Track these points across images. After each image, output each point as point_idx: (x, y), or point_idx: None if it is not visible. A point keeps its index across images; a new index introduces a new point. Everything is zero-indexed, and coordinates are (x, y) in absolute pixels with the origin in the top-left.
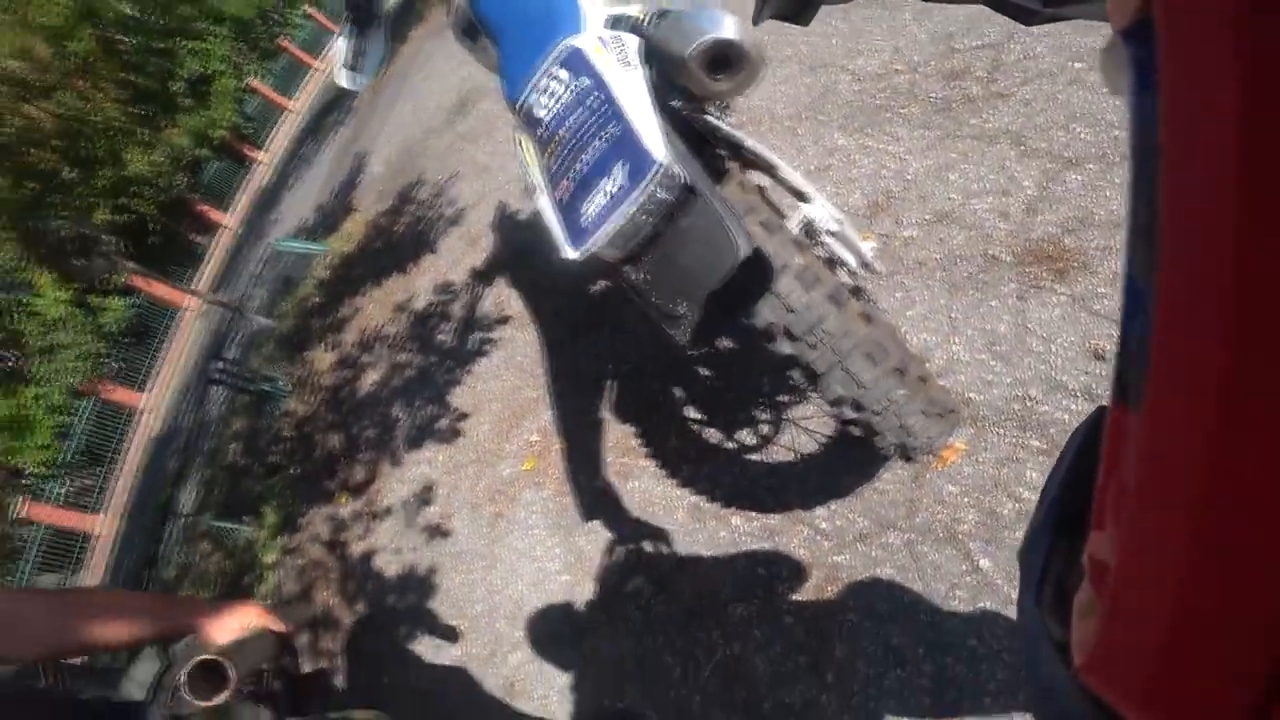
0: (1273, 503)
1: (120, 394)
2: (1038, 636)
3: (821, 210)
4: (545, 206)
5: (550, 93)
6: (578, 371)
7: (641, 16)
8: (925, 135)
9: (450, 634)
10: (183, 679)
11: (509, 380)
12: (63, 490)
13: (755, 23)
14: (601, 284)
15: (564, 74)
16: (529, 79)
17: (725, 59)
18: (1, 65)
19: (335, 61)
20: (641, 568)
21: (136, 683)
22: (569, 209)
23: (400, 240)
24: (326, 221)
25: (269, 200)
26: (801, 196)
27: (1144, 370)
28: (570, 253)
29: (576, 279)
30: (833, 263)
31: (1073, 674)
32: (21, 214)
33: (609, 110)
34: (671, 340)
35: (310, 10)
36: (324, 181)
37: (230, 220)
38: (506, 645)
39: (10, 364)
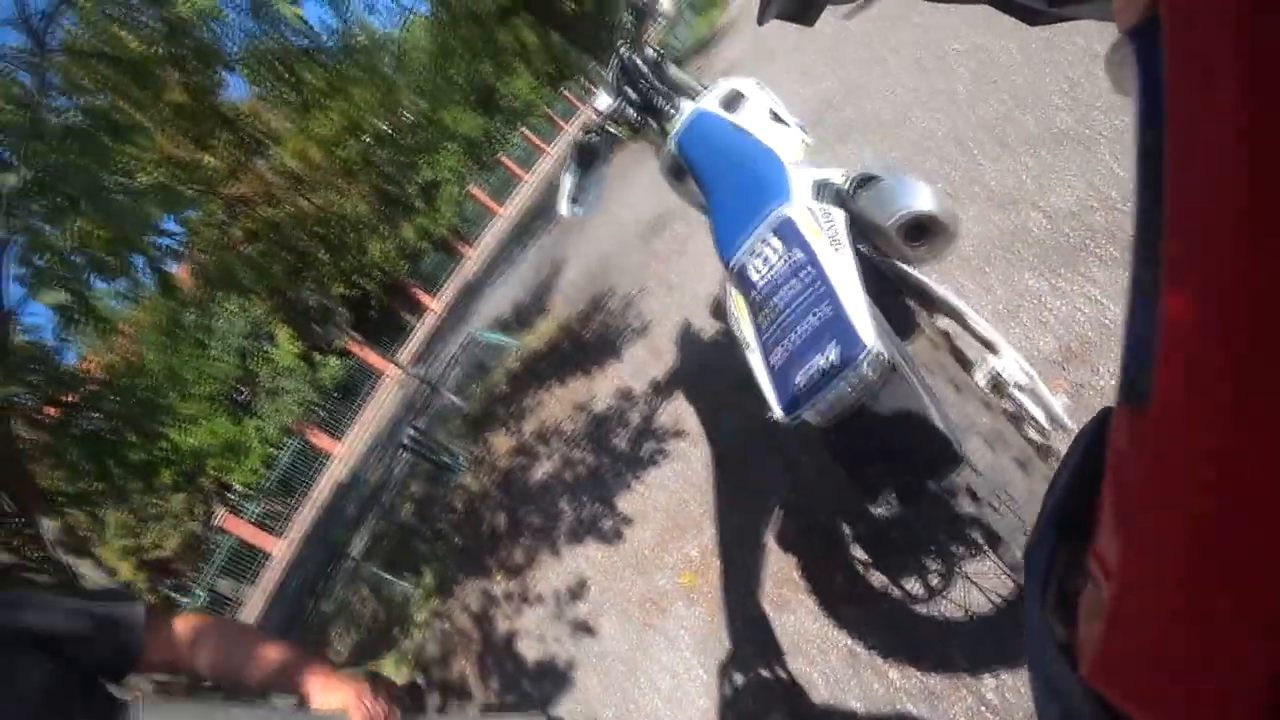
0: (1278, 502)
1: (321, 439)
2: (1043, 638)
3: (1010, 363)
4: (756, 365)
5: (764, 259)
6: (747, 494)
7: (844, 182)
8: (1124, 277)
9: None
10: None
11: (677, 493)
12: (257, 510)
13: (760, 23)
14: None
15: (777, 243)
16: (742, 241)
17: (924, 228)
18: (284, 164)
19: (561, 194)
20: (784, 709)
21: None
22: (781, 375)
23: (587, 344)
24: (521, 318)
25: (472, 291)
26: (990, 347)
27: (1150, 372)
28: (780, 416)
29: (757, 404)
30: (1020, 419)
31: (1079, 675)
32: (280, 282)
33: (822, 289)
34: (851, 490)
35: (525, 133)
36: (523, 282)
37: (436, 305)
38: None
39: (243, 398)
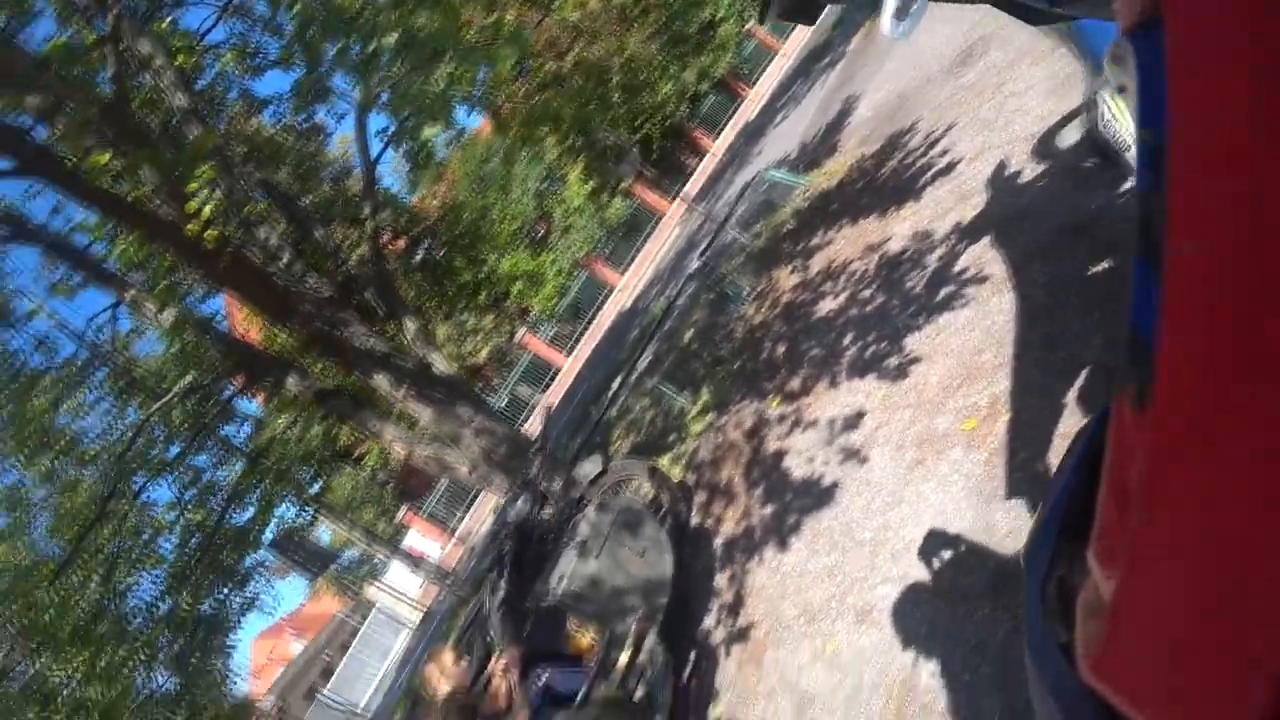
0: None
1: (606, 272)
2: (1042, 637)
3: None
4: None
5: None
6: (1051, 350)
7: None
8: None
9: (828, 544)
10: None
11: (972, 340)
12: (550, 332)
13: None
14: (1104, 265)
15: None
16: None
17: None
18: (564, 16)
19: (884, 11)
20: None
21: (583, 473)
22: None
23: (883, 184)
24: (809, 158)
25: (753, 133)
26: None
27: (1150, 371)
28: None
29: (1079, 257)
30: None
31: (1077, 675)
32: (575, 126)
33: None
34: None
35: None
36: (809, 121)
37: (717, 147)
38: (880, 576)
39: (541, 235)
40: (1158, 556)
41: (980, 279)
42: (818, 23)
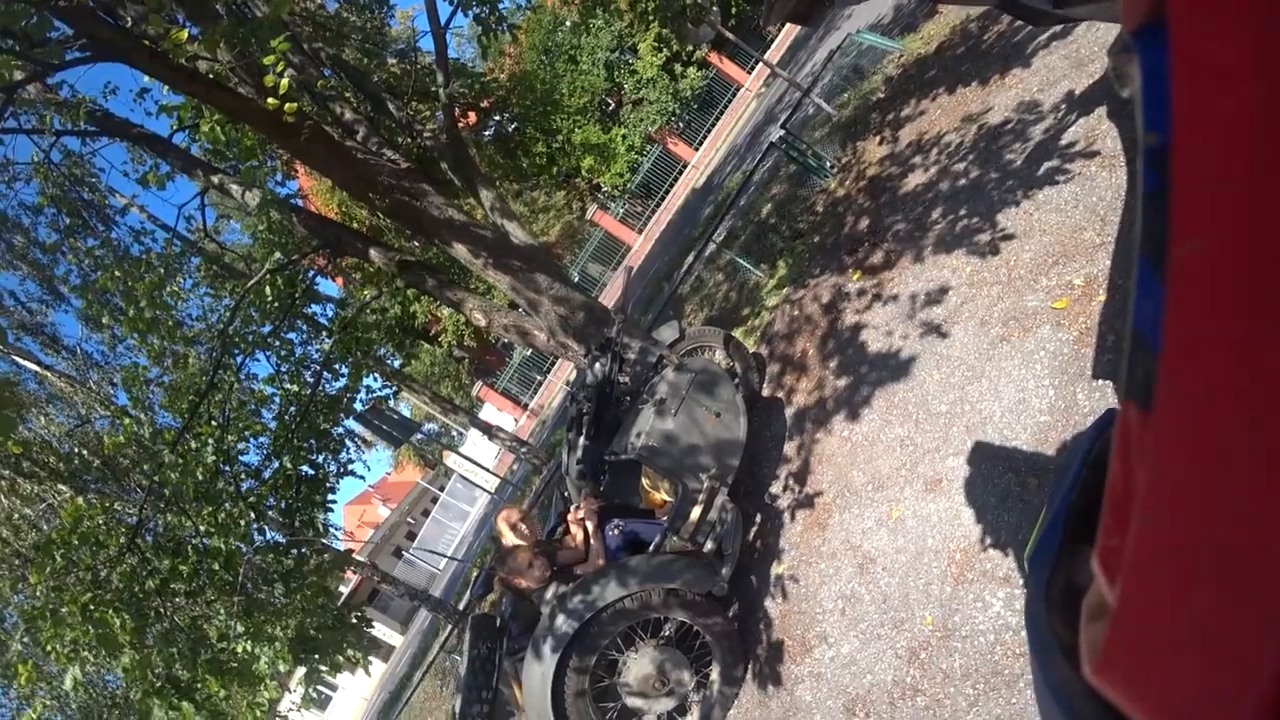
0: None
1: (680, 148)
2: (1047, 639)
3: None
4: None
5: None
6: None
7: None
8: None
9: (902, 415)
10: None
11: (1073, 217)
12: (621, 209)
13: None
14: None
15: None
16: None
17: None
18: None
19: None
20: None
21: (661, 338)
22: None
23: (987, 50)
24: (905, 21)
25: (816, 26)
26: None
27: (1155, 372)
28: None
29: None
30: None
31: (1082, 676)
32: None
33: None
34: None
35: None
36: None
37: None
38: (952, 448)
39: (611, 108)
40: (1161, 558)
41: (1089, 153)
42: None
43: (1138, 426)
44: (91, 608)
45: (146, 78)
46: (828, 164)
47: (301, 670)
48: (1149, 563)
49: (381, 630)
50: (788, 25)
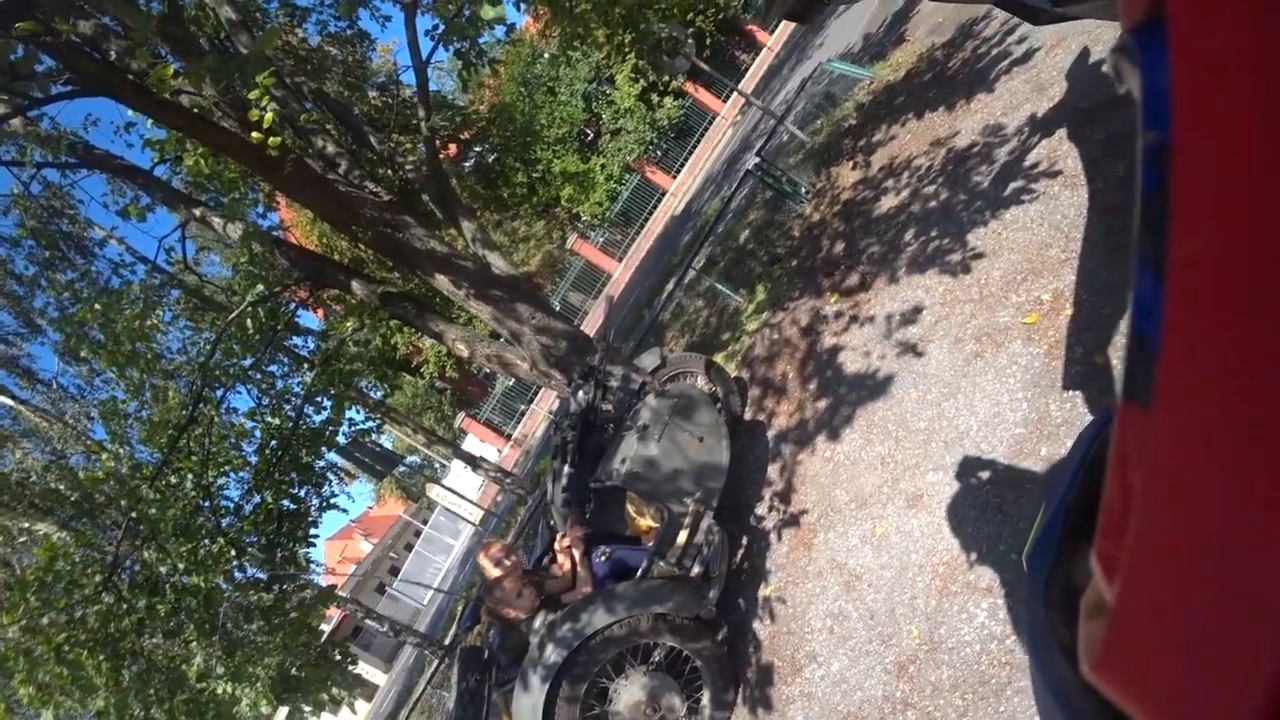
0: None
1: (658, 176)
2: (1045, 637)
3: None
4: None
5: None
6: (1124, 246)
7: None
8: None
9: (882, 433)
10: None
11: (1039, 235)
12: (601, 238)
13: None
14: None
15: None
16: None
17: None
18: None
19: None
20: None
21: (643, 365)
22: None
23: (952, 76)
24: (874, 50)
25: (812, 27)
26: None
27: (1153, 371)
28: None
29: None
30: None
31: (1080, 674)
32: (626, 19)
33: None
34: None
35: None
36: (874, 11)
37: (773, 42)
38: (931, 464)
39: (590, 138)
40: (1160, 557)
41: (1052, 173)
42: None
43: (1136, 426)
44: (65, 648)
45: (131, 111)
46: (803, 189)
47: (284, 711)
48: (1147, 561)
49: (365, 669)
50: (762, 54)
